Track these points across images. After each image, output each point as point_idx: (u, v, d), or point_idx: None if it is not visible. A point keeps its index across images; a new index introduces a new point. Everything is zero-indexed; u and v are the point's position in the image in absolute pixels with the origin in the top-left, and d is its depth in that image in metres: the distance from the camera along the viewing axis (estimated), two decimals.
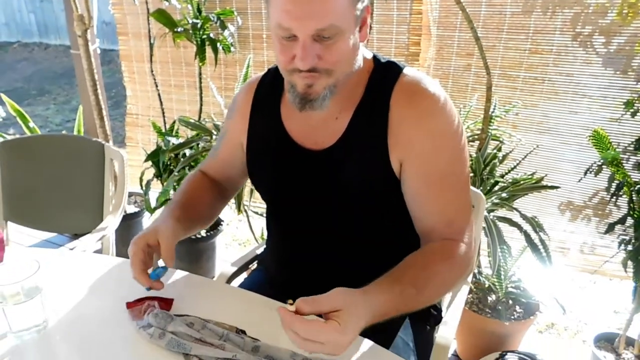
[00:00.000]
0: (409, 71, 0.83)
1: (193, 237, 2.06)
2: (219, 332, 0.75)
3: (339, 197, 0.85)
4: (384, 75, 0.83)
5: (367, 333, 0.71)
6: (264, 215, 2.15)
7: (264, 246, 1.15)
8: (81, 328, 0.77)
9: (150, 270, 0.80)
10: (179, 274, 0.91)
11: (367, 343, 0.74)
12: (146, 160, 1.97)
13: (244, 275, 1.17)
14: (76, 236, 2.13)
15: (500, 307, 1.64)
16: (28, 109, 5.51)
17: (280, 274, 0.98)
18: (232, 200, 2.01)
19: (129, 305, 0.82)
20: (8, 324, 0.72)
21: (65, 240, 2.46)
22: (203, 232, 2.12)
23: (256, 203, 2.37)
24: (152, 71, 2.19)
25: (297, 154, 0.86)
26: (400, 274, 0.72)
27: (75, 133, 2.36)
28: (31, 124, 2.25)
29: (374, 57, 0.86)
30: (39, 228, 1.47)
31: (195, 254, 2.10)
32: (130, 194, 2.41)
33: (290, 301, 0.64)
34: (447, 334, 0.95)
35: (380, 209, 0.86)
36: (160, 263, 0.82)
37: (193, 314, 0.80)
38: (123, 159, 1.44)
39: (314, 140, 0.86)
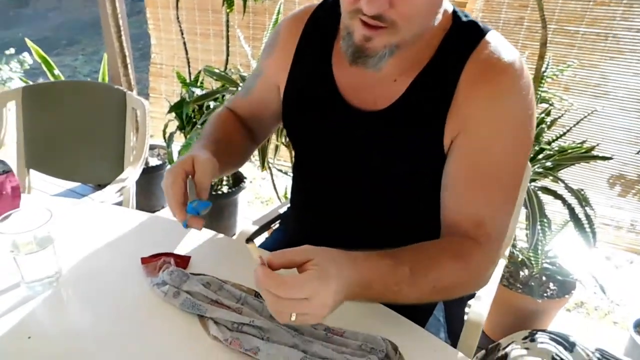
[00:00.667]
0: (492, 38, 0.70)
1: (214, 193, 2.05)
2: (237, 295, 0.72)
3: (379, 166, 0.77)
4: (461, 38, 0.71)
5: (402, 311, 0.67)
6: (289, 173, 2.12)
7: (288, 205, 1.11)
8: (94, 281, 0.75)
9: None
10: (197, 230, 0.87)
11: (396, 316, 0.70)
12: (169, 112, 1.93)
13: (266, 235, 1.14)
14: (100, 187, 2.16)
15: (533, 283, 1.57)
16: (56, 59, 5.55)
17: (301, 237, 0.94)
18: (256, 156, 1.97)
19: (144, 260, 0.79)
20: (21, 274, 0.70)
21: (88, 191, 2.50)
22: (225, 189, 2.10)
23: (280, 160, 2.32)
24: (177, 18, 2.11)
25: (342, 110, 0.78)
26: (399, 252, 0.64)
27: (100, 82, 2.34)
28: (56, 72, 2.23)
29: (454, 12, 0.73)
30: (60, 177, 1.47)
31: (216, 211, 2.09)
32: (154, 147, 2.40)
33: (253, 245, 0.57)
34: (480, 309, 0.89)
35: (418, 188, 0.78)
36: None
37: (210, 273, 0.76)
38: (145, 108, 1.40)
39: (364, 99, 0.76)
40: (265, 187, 2.59)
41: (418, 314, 0.71)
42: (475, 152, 0.70)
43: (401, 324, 0.70)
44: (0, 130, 1.40)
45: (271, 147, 1.90)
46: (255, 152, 1.87)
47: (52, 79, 2.21)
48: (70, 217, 0.90)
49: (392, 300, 0.65)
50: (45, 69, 2.21)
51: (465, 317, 0.92)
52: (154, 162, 2.29)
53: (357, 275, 0.59)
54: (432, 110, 0.72)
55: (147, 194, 2.27)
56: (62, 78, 2.25)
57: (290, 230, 1.01)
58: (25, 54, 2.45)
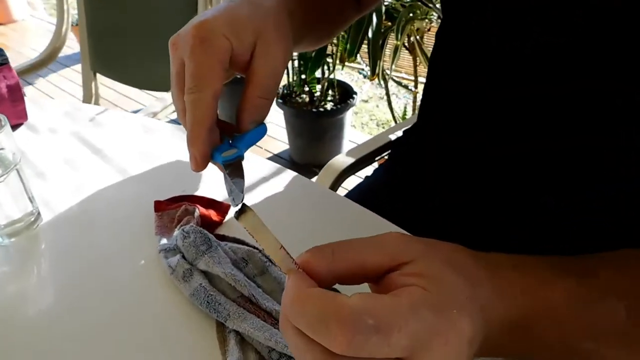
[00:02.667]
0: None
1: (315, 110, 1.74)
2: None
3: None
4: None
5: None
6: (410, 87, 1.70)
7: (405, 127, 0.75)
8: (82, 232, 0.50)
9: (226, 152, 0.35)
10: (251, 158, 0.57)
11: None
12: None
13: (369, 170, 0.81)
14: None
15: None
16: None
17: (420, 178, 0.59)
18: (363, 60, 1.57)
19: (158, 206, 0.51)
20: None
21: None
22: (329, 105, 1.78)
23: (401, 73, 1.91)
24: None
25: None
26: (600, 267, 0.32)
27: None
28: None
29: None
30: (125, 82, 1.27)
31: (316, 131, 1.78)
32: None
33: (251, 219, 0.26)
34: None
35: None
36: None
37: (252, 240, 0.46)
38: None
39: None
40: (384, 107, 2.20)
41: None
42: None
43: None
44: (62, 24, 1.23)
45: (388, 52, 1.50)
46: (363, 52, 1.49)
47: None
48: (81, 133, 0.66)
49: None
50: None
51: None
52: None
53: (506, 304, 0.28)
54: None
55: (232, 106, 2.04)
56: None
57: (404, 167, 0.65)
58: None
